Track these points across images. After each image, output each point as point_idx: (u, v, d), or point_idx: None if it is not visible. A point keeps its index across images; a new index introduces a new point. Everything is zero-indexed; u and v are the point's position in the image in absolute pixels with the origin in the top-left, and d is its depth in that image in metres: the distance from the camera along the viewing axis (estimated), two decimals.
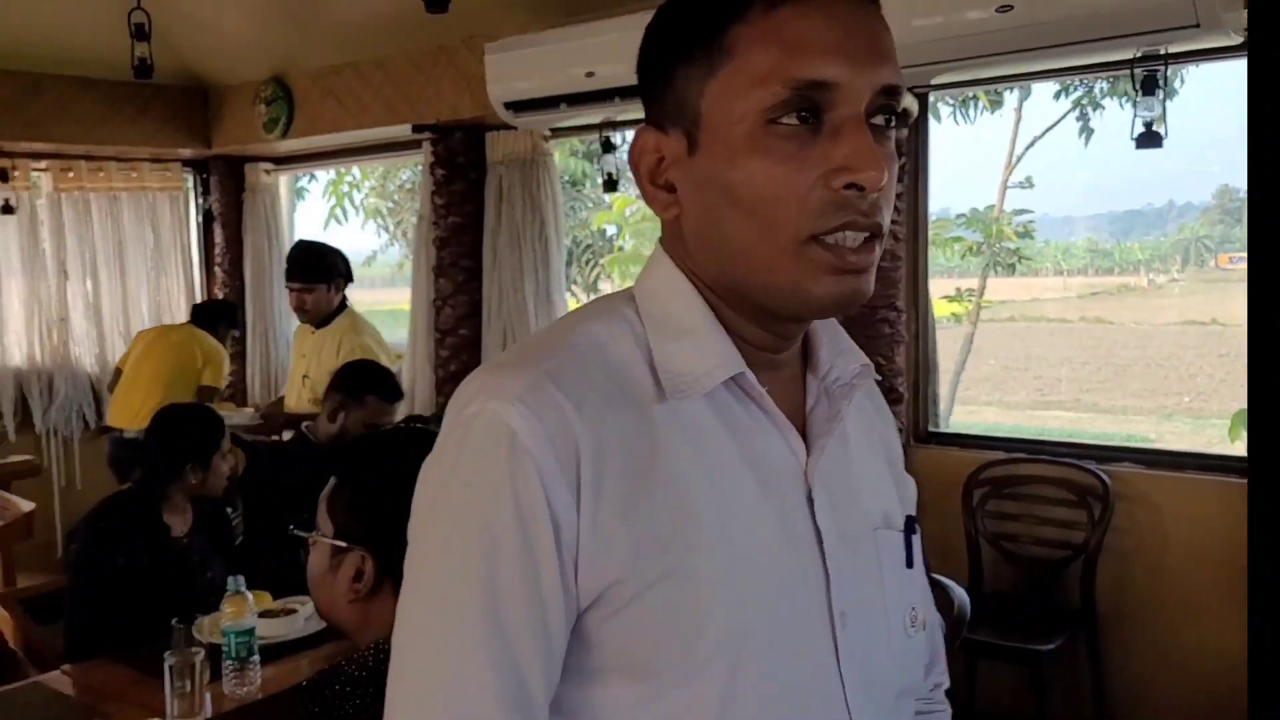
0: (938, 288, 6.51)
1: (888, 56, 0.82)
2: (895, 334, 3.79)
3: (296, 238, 6.38)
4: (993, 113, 6.30)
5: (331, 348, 4.18)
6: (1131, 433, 10.60)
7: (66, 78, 5.11)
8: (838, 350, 0.94)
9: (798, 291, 0.82)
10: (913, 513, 1.01)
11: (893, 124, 0.83)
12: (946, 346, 7.37)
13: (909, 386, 3.87)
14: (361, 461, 1.56)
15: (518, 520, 0.78)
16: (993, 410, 12.21)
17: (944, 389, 5.40)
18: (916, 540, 0.98)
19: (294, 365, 4.46)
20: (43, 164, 5.40)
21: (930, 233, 4.46)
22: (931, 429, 3.95)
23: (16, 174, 5.22)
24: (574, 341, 0.85)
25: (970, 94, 6.01)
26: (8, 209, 5.18)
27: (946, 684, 1.13)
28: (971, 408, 11.99)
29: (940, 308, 6.45)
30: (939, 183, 4.11)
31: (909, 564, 0.96)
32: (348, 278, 4.28)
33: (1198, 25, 2.81)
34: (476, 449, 0.80)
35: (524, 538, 0.78)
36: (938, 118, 6.21)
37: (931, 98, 4.22)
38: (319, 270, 4.19)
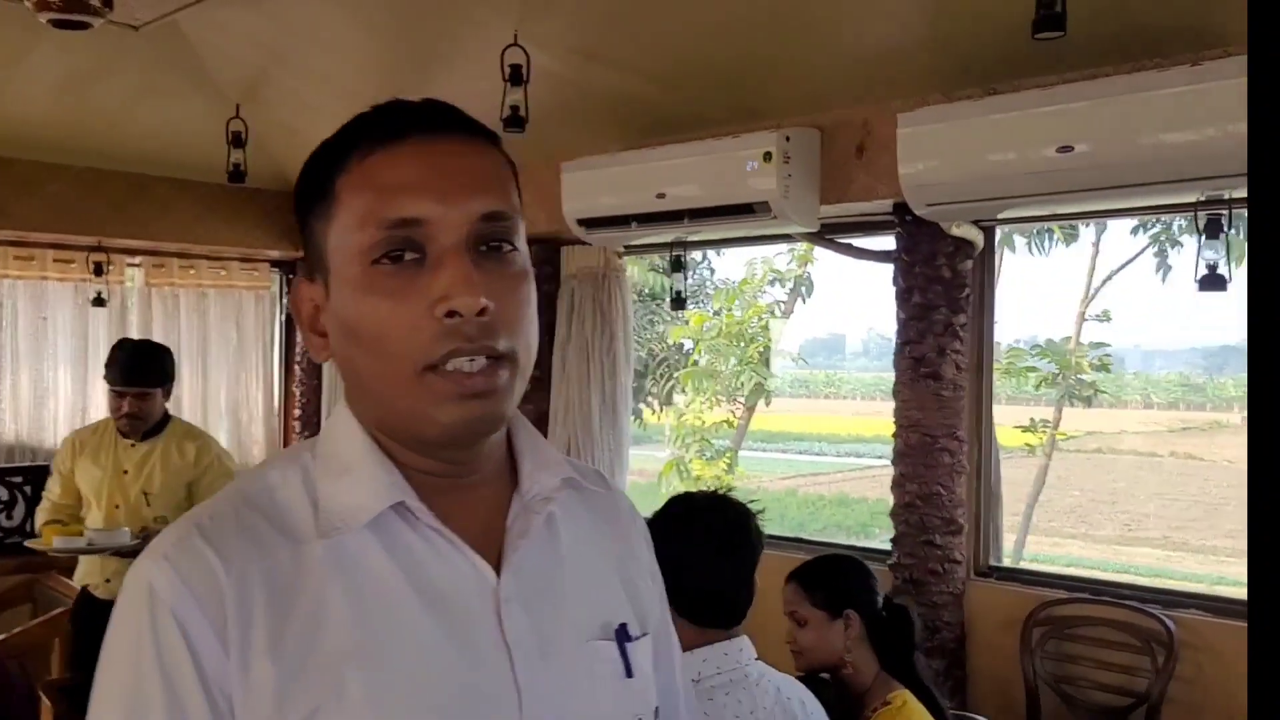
0: (1010, 417, 6.37)
1: (484, 187, 0.87)
2: (956, 464, 3.72)
3: None
4: (1068, 245, 6.25)
5: (180, 459, 3.75)
6: (1223, 574, 10.14)
7: (169, 179, 5.37)
8: (540, 464, 0.96)
9: (424, 419, 0.86)
10: (648, 622, 1.00)
11: (506, 249, 0.88)
12: (1020, 477, 7.20)
13: (970, 518, 3.78)
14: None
15: (161, 677, 0.81)
16: (1076, 544, 11.80)
17: (1016, 520, 5.26)
18: (637, 649, 0.97)
19: (106, 486, 3.73)
20: (137, 259, 5.65)
21: (1004, 362, 4.41)
22: (993, 563, 3.84)
23: (112, 268, 5.47)
24: (244, 489, 0.90)
25: (1045, 227, 5.97)
26: (99, 301, 5.41)
27: None
28: (1055, 539, 11.61)
29: (1013, 437, 6.32)
30: (1014, 313, 4.11)
31: (628, 673, 0.95)
32: (173, 379, 3.88)
33: None
34: (123, 611, 0.84)
35: (169, 694, 0.81)
36: (1012, 249, 6.19)
37: (1007, 229, 4.22)
38: (160, 372, 3.74)
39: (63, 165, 5.05)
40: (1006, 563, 3.93)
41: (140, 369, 3.67)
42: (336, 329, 0.89)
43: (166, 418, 3.81)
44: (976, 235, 3.68)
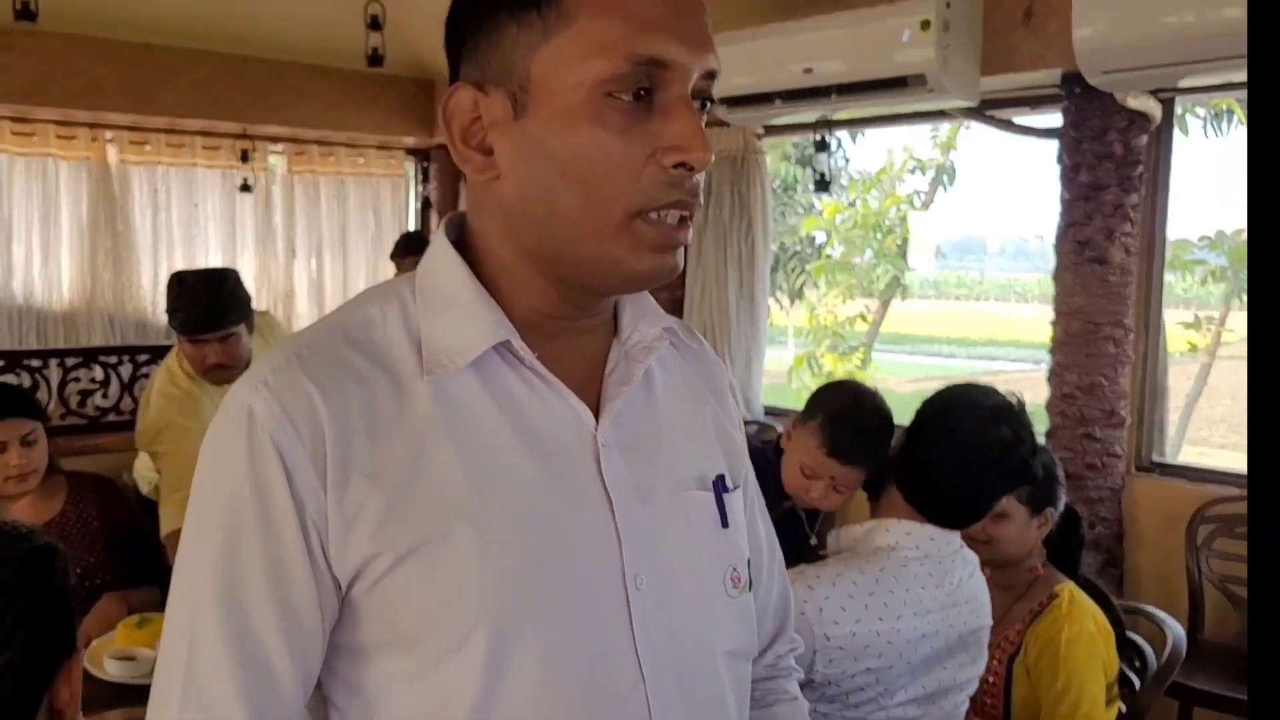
0: (1174, 315, 6.01)
1: (711, 41, 0.84)
2: (1121, 354, 3.51)
3: None
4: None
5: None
6: None
7: (307, 65, 5.40)
8: (640, 314, 0.95)
9: (619, 264, 0.83)
10: (740, 474, 1.01)
11: (706, 107, 0.86)
12: (1179, 381, 6.83)
13: (1132, 411, 3.58)
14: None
15: (256, 500, 0.80)
16: (1227, 454, 11.29)
17: (1173, 425, 4.99)
18: (733, 500, 0.97)
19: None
20: (279, 147, 5.73)
21: (1168, 254, 4.14)
22: (1155, 459, 3.64)
23: (256, 155, 5.56)
24: (343, 322, 0.87)
25: (1224, 105, 5.54)
26: (246, 188, 5.51)
27: (799, 649, 1.15)
28: (1202, 449, 11.16)
29: (1175, 337, 5.99)
30: (1183, 201, 3.79)
31: (724, 524, 0.95)
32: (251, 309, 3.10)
33: None
34: (223, 432, 0.83)
35: (262, 518, 0.80)
36: (1184, 131, 5.76)
37: (1179, 108, 3.90)
38: (238, 304, 2.97)
39: (206, 50, 5.12)
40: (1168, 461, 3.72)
41: (216, 308, 2.91)
42: (530, 152, 0.83)
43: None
44: (1154, 107, 3.41)
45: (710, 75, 0.84)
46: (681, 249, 0.85)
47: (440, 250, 0.90)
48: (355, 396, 0.82)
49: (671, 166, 0.81)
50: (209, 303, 2.92)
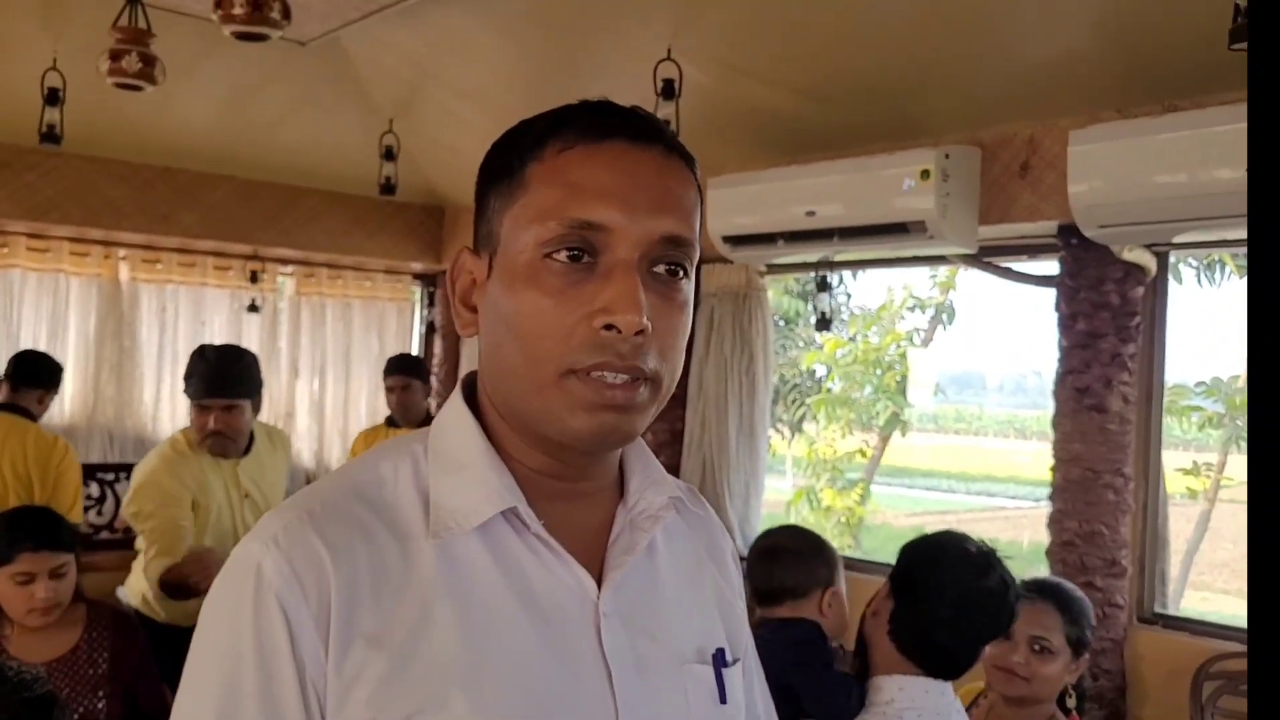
0: (1173, 460, 6.02)
1: (673, 208, 0.85)
2: (1121, 502, 3.50)
3: None
4: (1242, 277, 5.91)
5: (282, 462, 3.46)
6: None
7: (320, 191, 5.51)
8: (648, 481, 0.95)
9: (556, 421, 0.84)
10: (740, 646, 0.99)
11: (680, 274, 0.86)
12: (1179, 525, 6.79)
13: (1134, 561, 3.55)
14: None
15: (258, 659, 0.80)
16: (1231, 600, 11.15)
17: (1175, 569, 4.94)
18: (732, 675, 0.95)
19: (230, 516, 3.26)
20: (289, 269, 5.81)
21: (1166, 400, 4.16)
22: (1158, 610, 3.59)
23: (265, 276, 5.63)
24: (354, 479, 0.88)
25: (1216, 256, 5.65)
26: (253, 308, 5.57)
27: None
28: (1205, 594, 11.02)
29: (1174, 481, 5.98)
30: (1179, 348, 3.83)
31: (723, 700, 0.93)
32: (261, 390, 3.37)
33: None
34: (228, 588, 0.83)
35: (263, 678, 0.80)
36: (1178, 279, 5.85)
37: (1173, 258, 3.98)
38: (248, 381, 3.23)
39: (223, 175, 5.23)
40: (1170, 611, 3.67)
41: (226, 378, 3.17)
42: (490, 311, 0.88)
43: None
44: (1149, 260, 3.47)
45: (671, 240, 0.85)
46: (635, 412, 0.84)
47: (453, 409, 0.92)
48: (364, 557, 0.83)
49: (601, 328, 0.82)
50: (222, 371, 3.17)
